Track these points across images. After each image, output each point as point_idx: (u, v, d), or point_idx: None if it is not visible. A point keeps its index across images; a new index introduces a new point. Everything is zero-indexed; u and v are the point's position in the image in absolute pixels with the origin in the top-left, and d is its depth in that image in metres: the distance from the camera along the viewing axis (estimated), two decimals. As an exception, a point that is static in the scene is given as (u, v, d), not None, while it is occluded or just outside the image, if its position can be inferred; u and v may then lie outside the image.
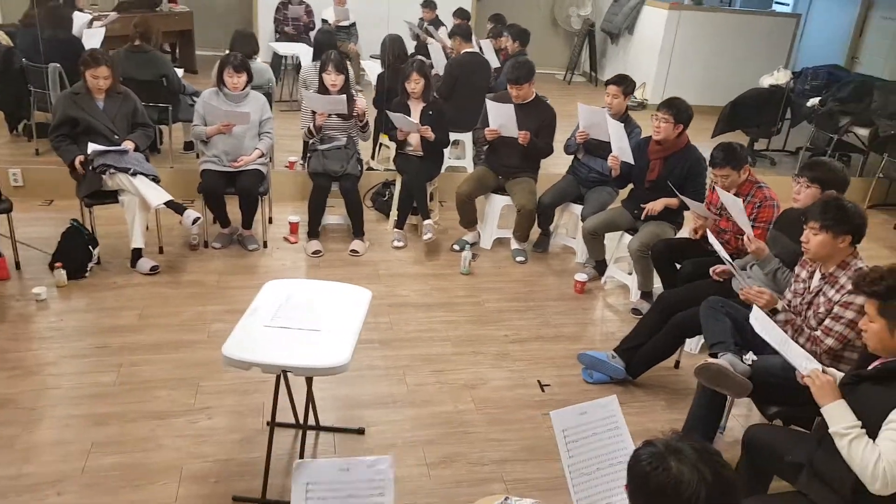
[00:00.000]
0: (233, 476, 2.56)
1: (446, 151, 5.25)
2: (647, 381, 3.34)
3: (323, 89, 4.40)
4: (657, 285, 3.98)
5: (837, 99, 6.26)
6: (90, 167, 3.77)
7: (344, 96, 4.29)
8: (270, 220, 4.73)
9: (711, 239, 3.03)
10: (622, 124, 4.02)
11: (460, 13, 7.92)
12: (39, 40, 5.07)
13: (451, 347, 3.54)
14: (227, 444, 2.72)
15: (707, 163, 3.90)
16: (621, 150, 3.98)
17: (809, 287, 2.56)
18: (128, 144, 3.92)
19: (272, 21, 8.79)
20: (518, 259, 4.60)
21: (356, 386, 3.13)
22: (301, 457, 2.53)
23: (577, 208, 4.50)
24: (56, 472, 2.48)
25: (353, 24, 8.71)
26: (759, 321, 2.32)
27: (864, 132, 6.19)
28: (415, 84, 4.51)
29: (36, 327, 3.35)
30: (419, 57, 5.15)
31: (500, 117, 4.35)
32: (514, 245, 4.68)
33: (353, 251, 4.47)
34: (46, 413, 2.77)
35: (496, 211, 4.70)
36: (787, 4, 11.04)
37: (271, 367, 2.18)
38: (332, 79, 4.32)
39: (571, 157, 4.65)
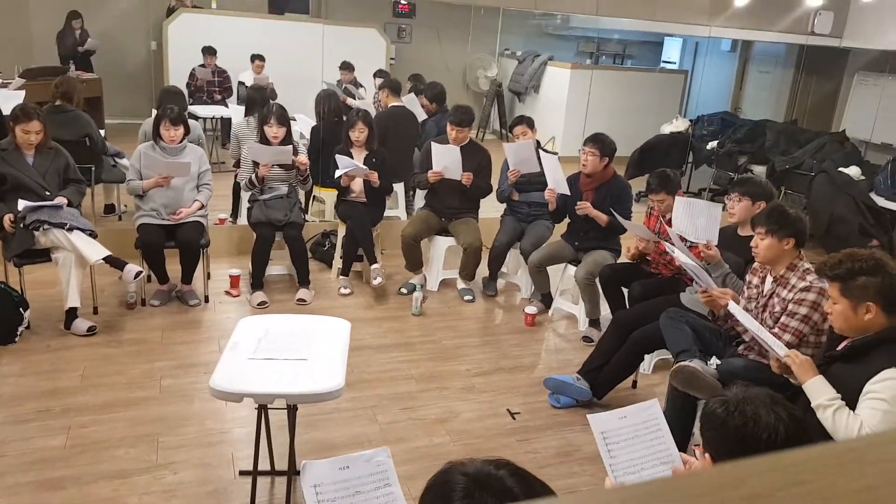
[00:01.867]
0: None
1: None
2: (609, 401, 3.42)
3: (264, 141, 4.39)
4: (604, 312, 4.14)
5: (734, 140, 6.87)
6: (21, 224, 3.55)
7: (290, 147, 4.31)
8: (209, 276, 4.58)
9: (676, 248, 3.19)
10: (555, 155, 4.22)
11: (381, 73, 8.18)
12: None
13: (416, 385, 3.52)
14: (198, 496, 2.55)
15: (631, 190, 4.20)
16: (557, 183, 4.18)
17: (763, 291, 2.76)
18: (61, 200, 3.73)
19: (185, 87, 8.71)
20: (466, 298, 4.66)
21: (327, 429, 3.04)
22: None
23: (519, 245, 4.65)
24: (10, 543, 2.24)
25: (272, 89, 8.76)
26: (736, 312, 2.48)
27: (760, 169, 6.80)
28: (359, 133, 4.60)
29: (-36, 396, 3.05)
30: (363, 109, 5.25)
31: (445, 159, 4.48)
32: (461, 285, 4.75)
33: (301, 300, 4.39)
34: (-10, 483, 2.51)
35: (441, 252, 4.77)
36: (674, 62, 12.11)
37: (265, 397, 2.10)
38: (275, 131, 4.34)
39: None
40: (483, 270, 4.78)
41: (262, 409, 2.30)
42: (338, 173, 4.51)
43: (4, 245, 3.66)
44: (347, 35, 9.02)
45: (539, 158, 4.39)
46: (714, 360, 2.79)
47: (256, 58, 7.86)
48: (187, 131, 4.28)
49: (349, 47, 8.65)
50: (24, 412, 2.97)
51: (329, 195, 5.43)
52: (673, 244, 3.23)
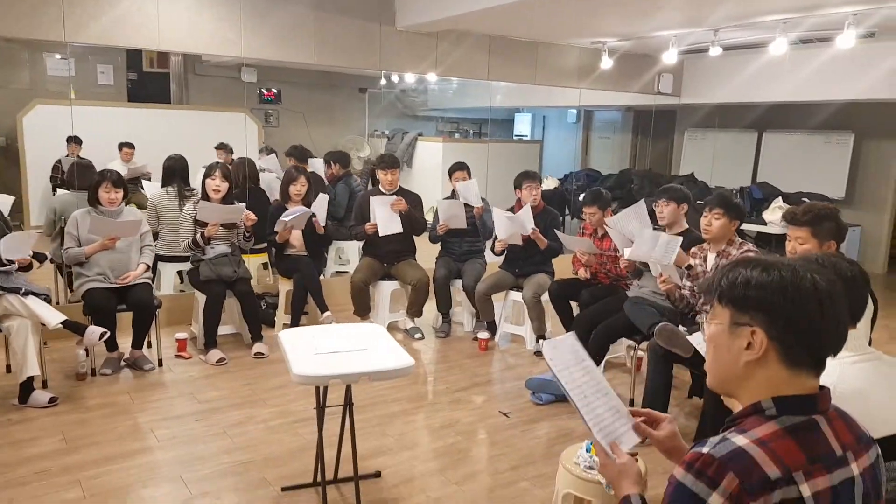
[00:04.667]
0: (282, 536, 2.39)
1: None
2: (583, 393, 3.79)
3: (205, 197, 4.43)
4: (549, 330, 4.58)
5: (606, 188, 7.84)
6: (-31, 292, 3.31)
7: (242, 205, 4.40)
8: (150, 344, 4.40)
9: (624, 248, 3.68)
10: (511, 214, 4.57)
11: (267, 150, 8.39)
12: None
13: (408, 404, 3.67)
14: (253, 515, 2.52)
15: (559, 218, 4.78)
16: (511, 237, 4.55)
17: (707, 268, 3.34)
18: (20, 263, 3.52)
19: (48, 180, 8.24)
20: (416, 336, 4.87)
21: (346, 446, 3.09)
22: None
23: (458, 282, 5.00)
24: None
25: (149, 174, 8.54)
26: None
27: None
28: (300, 186, 4.79)
29: (-61, 472, 2.74)
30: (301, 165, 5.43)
31: (382, 212, 4.77)
32: (409, 324, 4.96)
33: (259, 353, 4.37)
34: (18, 539, 2.31)
35: (386, 295, 4.98)
36: (526, 135, 13.48)
37: (351, 376, 2.23)
38: (217, 184, 4.40)
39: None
40: (429, 312, 5.03)
41: (347, 408, 2.42)
42: (280, 223, 4.60)
43: (-57, 318, 3.36)
44: (216, 120, 9.14)
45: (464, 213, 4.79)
46: (682, 328, 3.29)
47: (125, 145, 7.69)
48: (126, 194, 4.23)
49: (219, 131, 8.76)
50: (20, 476, 2.73)
51: (256, 259, 5.48)
52: (618, 248, 3.79)
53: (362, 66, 5.96)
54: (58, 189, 7.75)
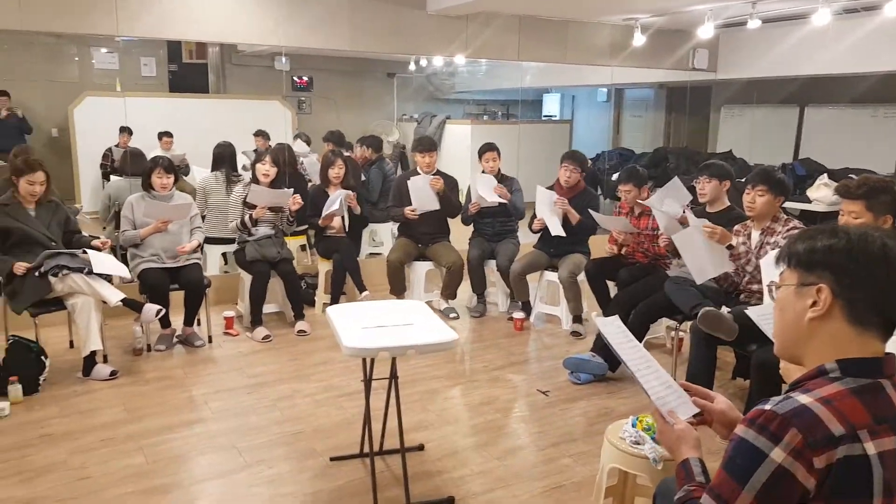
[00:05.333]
0: (333, 500, 2.55)
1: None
2: (623, 373, 3.84)
3: (255, 181, 4.59)
4: (585, 310, 4.64)
5: (641, 167, 7.82)
6: (37, 272, 3.51)
7: (290, 190, 4.54)
8: (199, 322, 4.59)
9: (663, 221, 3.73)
10: (551, 193, 4.63)
11: (303, 137, 8.55)
12: None
13: (447, 381, 3.79)
14: (304, 482, 2.68)
15: (599, 200, 4.81)
16: (551, 219, 4.59)
17: (751, 246, 3.36)
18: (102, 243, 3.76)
19: (99, 166, 8.53)
20: (451, 316, 4.98)
21: (391, 419, 3.22)
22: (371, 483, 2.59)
23: (492, 263, 5.08)
24: (147, 539, 2.27)
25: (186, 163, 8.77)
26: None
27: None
28: (339, 170, 4.91)
29: (16, 439, 2.95)
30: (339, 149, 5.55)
31: (420, 191, 4.87)
32: (444, 305, 5.07)
33: (302, 331, 4.53)
34: (91, 500, 2.50)
35: (421, 276, 5.09)
36: (555, 116, 13.41)
37: (398, 349, 2.35)
38: (267, 168, 4.55)
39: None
40: (463, 293, 5.13)
41: (393, 381, 2.56)
42: (326, 212, 4.76)
43: (12, 298, 3.57)
44: (252, 108, 9.32)
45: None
46: (725, 309, 3.31)
47: (164, 135, 7.93)
48: (177, 179, 4.41)
49: (255, 119, 8.93)
50: (87, 443, 2.93)
51: (295, 241, 5.63)
52: (657, 225, 3.83)
53: (394, 50, 6.04)
54: (110, 176, 8.04)
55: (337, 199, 4.75)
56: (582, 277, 4.57)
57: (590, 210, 4.50)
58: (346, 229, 4.99)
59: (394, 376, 2.63)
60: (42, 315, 3.60)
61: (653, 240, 4.17)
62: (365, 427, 2.66)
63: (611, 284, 4.43)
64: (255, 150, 8.70)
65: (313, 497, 2.59)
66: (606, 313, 4.08)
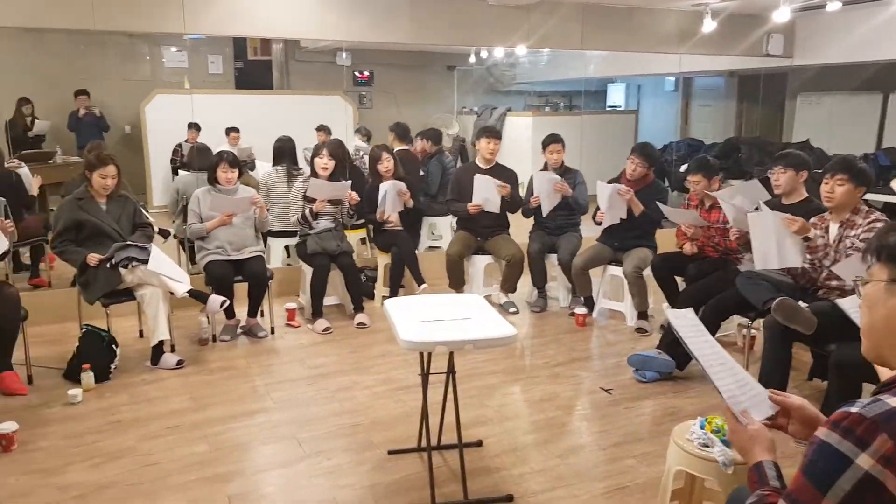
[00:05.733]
0: (390, 494, 2.52)
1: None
2: (691, 372, 3.70)
3: (314, 175, 4.63)
4: (651, 306, 4.48)
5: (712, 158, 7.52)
6: (109, 264, 3.64)
7: (349, 182, 4.57)
8: (262, 313, 4.68)
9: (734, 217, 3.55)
10: (613, 186, 4.45)
11: (363, 131, 8.62)
12: None
13: (505, 377, 3.72)
14: (362, 474, 2.67)
15: (668, 193, 4.62)
16: (610, 212, 4.46)
17: (829, 240, 3.15)
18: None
19: (168, 163, 8.83)
20: (511, 311, 4.90)
21: (448, 413, 3.19)
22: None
23: (553, 257, 4.97)
24: (209, 526, 2.31)
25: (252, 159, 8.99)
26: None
27: (735, 183, 7.43)
28: (386, 163, 4.90)
29: (89, 424, 3.07)
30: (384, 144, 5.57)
31: (486, 192, 4.80)
32: (503, 299, 4.99)
33: (361, 324, 4.55)
34: (158, 485, 2.56)
35: (480, 270, 5.03)
36: (620, 105, 13.08)
37: (456, 343, 2.30)
38: (325, 162, 4.58)
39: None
40: (523, 287, 5.04)
41: (451, 375, 2.52)
42: (380, 207, 4.76)
43: (85, 289, 3.71)
44: (314, 103, 9.43)
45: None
46: (801, 303, 3.12)
47: (231, 130, 8.10)
48: (240, 174, 4.49)
49: (317, 114, 9.03)
50: (154, 431, 3.01)
51: (354, 235, 5.66)
52: (727, 219, 3.65)
53: (455, 42, 5.98)
54: (179, 171, 8.32)
55: (384, 192, 4.74)
56: (648, 272, 4.41)
57: (658, 203, 4.34)
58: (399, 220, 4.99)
59: (451, 371, 2.58)
60: (113, 305, 3.73)
61: (724, 233, 3.98)
62: (422, 421, 2.63)
63: (679, 280, 4.26)
64: (316, 145, 8.89)
65: (371, 490, 2.58)
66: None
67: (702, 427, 2.17)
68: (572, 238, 4.95)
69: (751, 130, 9.41)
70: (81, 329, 3.68)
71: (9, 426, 2.79)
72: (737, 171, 7.30)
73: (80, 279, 3.76)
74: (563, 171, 4.91)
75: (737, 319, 4.04)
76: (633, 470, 2.74)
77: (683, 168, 8.01)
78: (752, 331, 3.79)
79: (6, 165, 4.94)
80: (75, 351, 3.56)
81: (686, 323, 1.58)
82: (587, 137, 10.24)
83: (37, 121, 6.67)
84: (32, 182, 5.17)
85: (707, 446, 2.10)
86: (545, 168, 4.99)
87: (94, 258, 3.64)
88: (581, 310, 4.65)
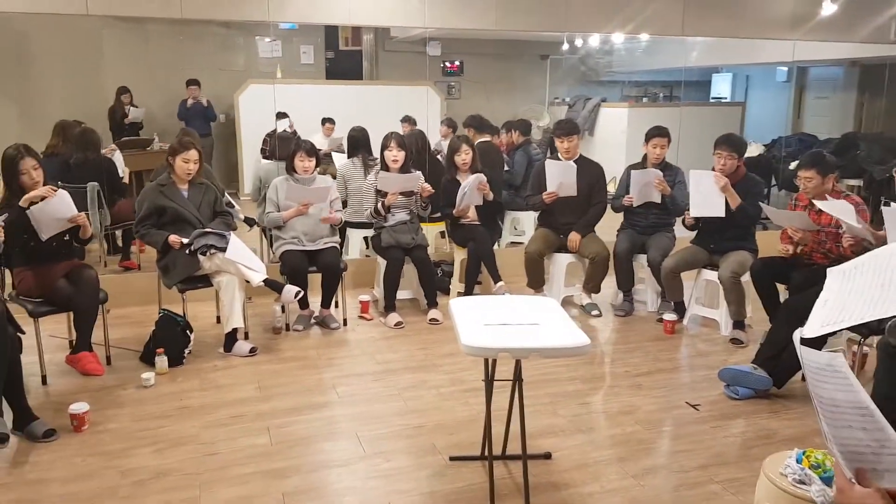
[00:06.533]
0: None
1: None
2: (789, 390, 3.33)
3: (384, 167, 4.53)
4: (749, 315, 4.09)
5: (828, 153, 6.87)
6: (188, 250, 3.69)
7: (419, 173, 4.45)
8: (336, 304, 4.64)
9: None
10: (707, 173, 4.12)
11: (448, 121, 8.48)
12: (70, 165, 5.02)
13: (583, 384, 3.49)
14: (420, 480, 2.54)
15: (763, 187, 4.17)
16: (705, 206, 4.10)
17: None
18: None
19: (259, 152, 9.06)
20: (593, 313, 4.63)
21: (514, 421, 3.00)
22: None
23: (642, 258, 4.64)
24: (259, 525, 2.24)
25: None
26: None
27: (852, 182, 6.76)
28: (465, 155, 4.73)
29: (157, 408, 3.10)
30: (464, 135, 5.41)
31: (560, 176, 4.55)
32: (586, 300, 4.72)
33: (434, 320, 4.42)
34: (216, 476, 2.54)
35: (562, 269, 4.78)
36: (725, 97, 12.28)
37: (521, 351, 2.12)
38: (395, 154, 4.47)
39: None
40: (608, 289, 4.76)
41: (516, 384, 2.32)
42: (459, 200, 4.60)
43: (165, 274, 3.78)
44: (402, 93, 9.38)
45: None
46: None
47: (327, 121, 8.17)
48: (318, 163, 4.46)
49: (405, 104, 8.96)
50: (219, 418, 3.01)
51: (433, 228, 5.54)
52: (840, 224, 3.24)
53: (546, 28, 5.73)
54: (266, 160, 8.51)
55: (467, 186, 4.56)
56: (746, 278, 4.03)
57: (760, 203, 3.94)
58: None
59: (518, 378, 2.39)
60: (190, 291, 3.78)
61: (836, 238, 3.55)
62: (486, 430, 2.46)
63: (781, 288, 3.85)
64: (392, 134, 8.84)
65: (430, 497, 2.44)
66: (774, 320, 3.54)
67: (799, 461, 1.89)
68: (664, 238, 4.61)
69: (872, 126, 8.57)
70: (159, 313, 3.76)
71: (81, 407, 2.85)
72: (854, 169, 6.64)
73: (160, 263, 3.83)
74: (664, 167, 4.58)
75: (847, 335, 3.60)
76: (718, 498, 2.46)
77: (793, 165, 7.37)
78: (865, 348, 3.37)
79: (102, 152, 5.15)
80: (151, 334, 3.64)
81: (819, 360, 1.27)
82: (687, 131, 9.65)
83: (131, 108, 6.96)
84: (125, 169, 5.39)
85: (804, 483, 1.83)
86: (644, 161, 4.67)
87: (176, 240, 3.70)
88: (670, 316, 4.32)
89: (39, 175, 3.32)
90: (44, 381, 3.34)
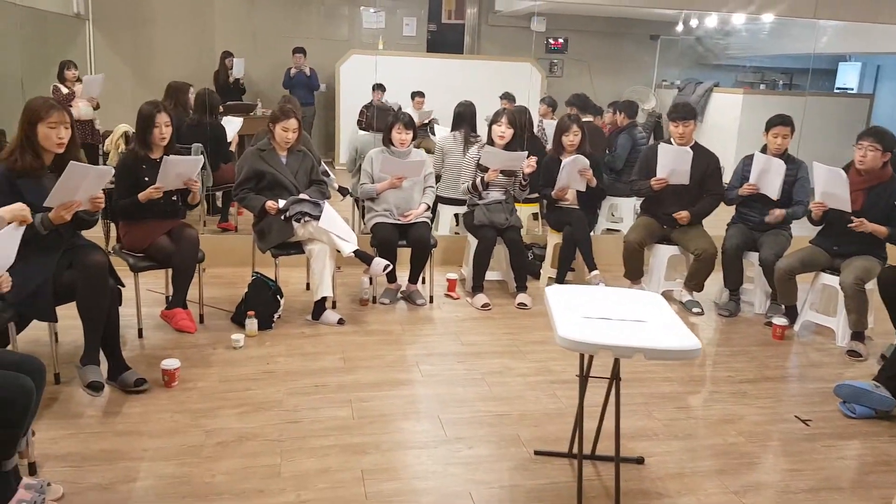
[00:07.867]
0: (531, 501, 2.26)
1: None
2: (920, 413, 2.98)
3: (490, 142, 4.39)
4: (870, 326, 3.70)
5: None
6: (283, 216, 3.70)
7: (524, 153, 4.28)
8: (423, 280, 4.57)
9: None
10: (841, 171, 3.72)
11: (548, 100, 8.19)
12: (181, 126, 5.18)
13: (680, 387, 3.25)
14: (502, 471, 2.43)
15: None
16: (832, 197, 3.73)
17: None
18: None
19: (355, 122, 9.10)
20: (694, 311, 4.34)
21: (605, 421, 2.83)
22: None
23: (753, 255, 4.30)
24: (336, 498, 2.20)
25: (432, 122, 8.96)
26: None
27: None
28: (573, 136, 4.51)
29: (244, 371, 3.14)
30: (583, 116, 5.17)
31: (673, 163, 4.26)
32: (687, 297, 4.43)
33: (522, 304, 4.27)
34: (296, 445, 2.52)
35: (663, 261, 4.50)
36: (852, 88, 11.29)
37: (623, 349, 1.95)
38: (502, 130, 4.32)
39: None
40: (711, 286, 4.44)
41: (614, 382, 2.16)
42: (559, 184, 4.39)
43: (261, 238, 3.82)
44: (503, 69, 9.13)
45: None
46: None
47: (416, 95, 8.07)
48: (415, 136, 4.37)
49: (505, 81, 8.72)
50: (302, 386, 3.00)
51: (527, 209, 5.35)
52: None
53: (661, 6, 5.37)
54: (363, 131, 8.55)
55: (566, 167, 4.34)
56: (871, 286, 3.63)
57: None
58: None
59: (616, 377, 2.22)
60: (283, 256, 3.80)
61: None
62: (576, 426, 2.30)
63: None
64: (503, 110, 8.64)
65: (511, 491, 2.32)
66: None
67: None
68: (779, 236, 4.25)
69: None
70: (252, 276, 3.80)
71: (172, 363, 2.91)
72: None
73: (256, 227, 3.88)
74: (786, 159, 4.19)
75: None
76: (832, 530, 2.21)
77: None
78: None
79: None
80: (244, 297, 3.69)
81: None
82: (808, 123, 8.96)
83: (233, 60, 7.10)
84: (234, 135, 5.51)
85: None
86: (764, 151, 4.31)
87: (272, 205, 3.72)
88: (781, 320, 3.97)
89: (169, 131, 3.49)
90: (139, 335, 3.45)
